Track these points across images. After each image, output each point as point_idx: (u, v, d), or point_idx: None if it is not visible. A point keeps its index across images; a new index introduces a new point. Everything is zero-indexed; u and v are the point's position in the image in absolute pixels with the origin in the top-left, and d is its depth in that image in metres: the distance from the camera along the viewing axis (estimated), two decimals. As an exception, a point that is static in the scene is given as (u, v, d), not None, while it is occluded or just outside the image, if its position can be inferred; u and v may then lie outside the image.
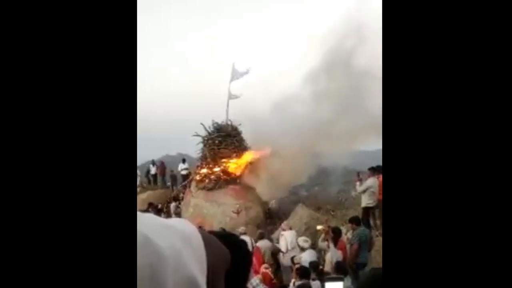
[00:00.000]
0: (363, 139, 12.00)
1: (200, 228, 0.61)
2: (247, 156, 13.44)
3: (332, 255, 7.15)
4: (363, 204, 9.12)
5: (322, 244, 8.20)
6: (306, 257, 7.14)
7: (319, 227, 8.70)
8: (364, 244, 7.25)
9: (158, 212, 12.42)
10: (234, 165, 13.46)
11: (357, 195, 10.10)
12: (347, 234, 7.99)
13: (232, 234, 1.49)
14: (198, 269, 0.52)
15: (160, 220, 0.55)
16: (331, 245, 7.47)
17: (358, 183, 9.52)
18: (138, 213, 0.53)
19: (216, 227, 10.39)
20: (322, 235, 8.21)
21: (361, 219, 8.22)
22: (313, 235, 9.43)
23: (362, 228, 7.58)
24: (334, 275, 5.22)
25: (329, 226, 8.32)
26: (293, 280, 5.55)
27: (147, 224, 0.51)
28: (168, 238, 0.51)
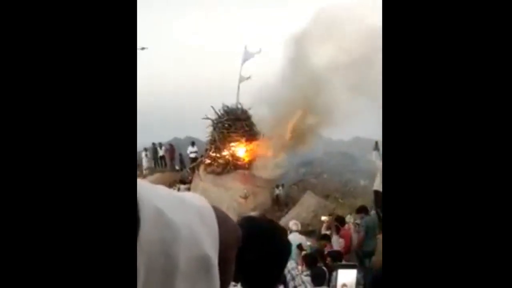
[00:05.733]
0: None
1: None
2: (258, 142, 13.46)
3: (334, 244, 7.16)
4: (376, 187, 8.92)
5: (326, 231, 8.22)
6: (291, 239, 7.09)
7: (323, 218, 8.71)
8: (372, 232, 7.19)
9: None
10: (243, 148, 13.46)
11: (365, 184, 10.04)
12: (355, 221, 7.95)
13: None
14: (211, 246, 0.51)
15: (175, 193, 0.53)
16: (334, 234, 7.47)
17: (374, 152, 9.35)
18: (153, 186, 0.51)
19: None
20: (325, 224, 8.26)
21: (373, 203, 8.08)
22: (320, 223, 9.46)
23: (370, 217, 7.53)
24: (346, 263, 5.19)
25: (331, 215, 8.36)
26: (299, 267, 5.54)
27: (161, 197, 0.49)
28: (182, 213, 0.49)
